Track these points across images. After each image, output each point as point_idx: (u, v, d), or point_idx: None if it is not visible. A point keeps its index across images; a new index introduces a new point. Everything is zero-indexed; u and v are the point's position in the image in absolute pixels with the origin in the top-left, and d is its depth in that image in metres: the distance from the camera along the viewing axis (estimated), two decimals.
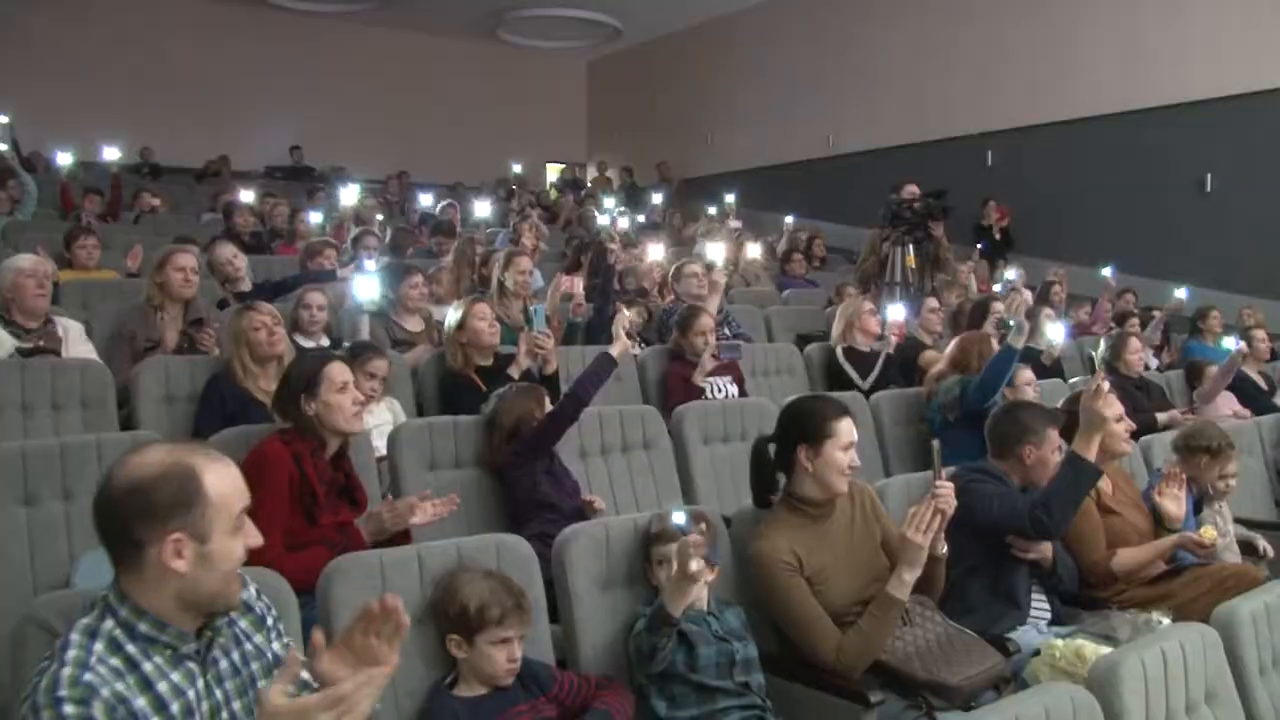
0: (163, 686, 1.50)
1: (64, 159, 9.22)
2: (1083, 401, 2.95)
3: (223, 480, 1.55)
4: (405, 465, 3.26)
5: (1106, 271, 8.02)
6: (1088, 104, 9.99)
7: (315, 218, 7.86)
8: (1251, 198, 8.83)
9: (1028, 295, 4.62)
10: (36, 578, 2.70)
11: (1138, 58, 9.68)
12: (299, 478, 2.69)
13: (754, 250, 8.37)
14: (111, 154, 8.92)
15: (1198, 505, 3.69)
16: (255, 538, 1.60)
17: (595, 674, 2.34)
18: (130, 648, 1.50)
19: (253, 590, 1.73)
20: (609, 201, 10.65)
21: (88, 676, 1.43)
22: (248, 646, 1.67)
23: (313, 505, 2.70)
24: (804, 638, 2.51)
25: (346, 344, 4.33)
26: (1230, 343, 5.95)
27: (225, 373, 3.63)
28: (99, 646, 1.48)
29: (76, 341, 4.16)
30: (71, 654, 1.45)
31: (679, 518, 2.38)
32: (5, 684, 1.84)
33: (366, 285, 4.86)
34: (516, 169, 14.13)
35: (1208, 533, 3.21)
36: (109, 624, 1.50)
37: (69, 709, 1.39)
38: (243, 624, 1.68)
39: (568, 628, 2.46)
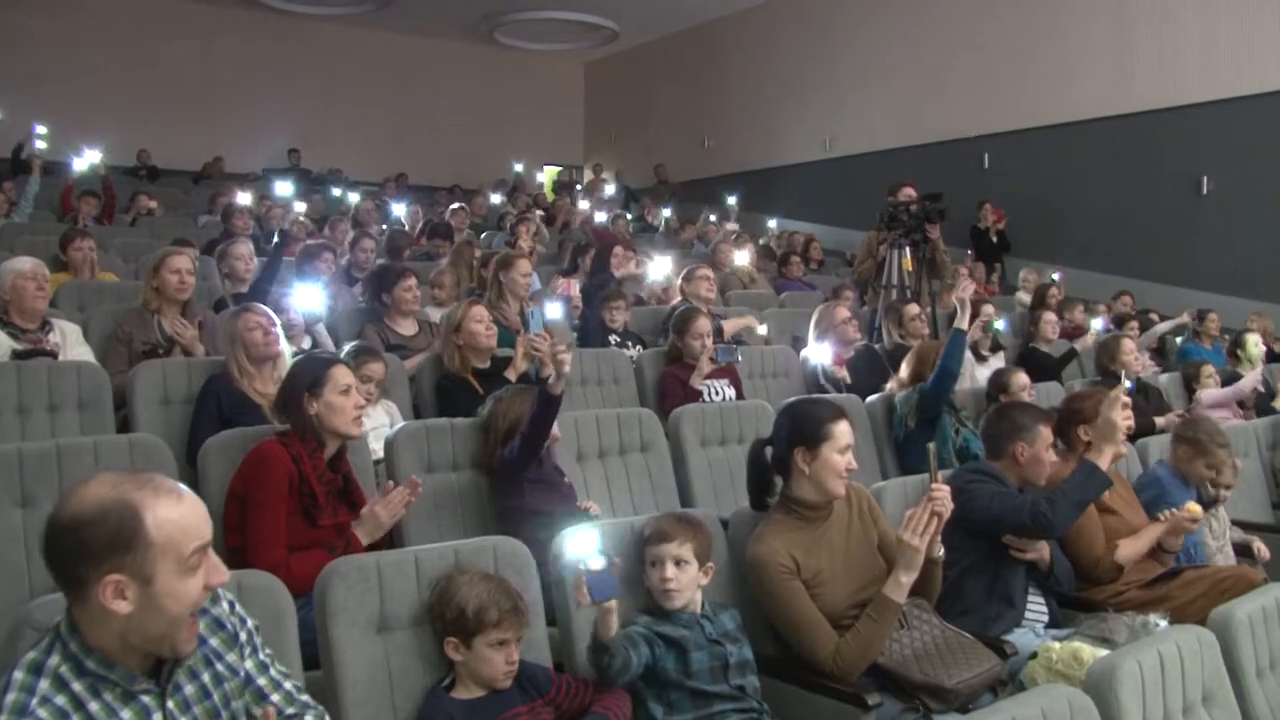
0: None
1: (80, 164, 9.18)
2: (1102, 411, 2.99)
3: (170, 518, 1.45)
4: (402, 468, 3.25)
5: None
6: (1084, 107, 10.02)
7: (300, 206, 7.88)
8: (1248, 200, 8.86)
9: (969, 285, 4.63)
10: (33, 581, 2.68)
11: (1133, 61, 9.71)
12: (298, 479, 2.69)
13: (742, 257, 8.36)
14: (92, 156, 8.87)
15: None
16: (219, 575, 1.52)
17: (592, 678, 2.34)
18: (76, 686, 1.44)
19: (225, 605, 1.66)
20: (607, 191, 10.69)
21: (29, 717, 1.38)
22: (219, 667, 1.61)
23: (312, 507, 2.70)
24: (801, 640, 2.51)
25: (347, 347, 4.32)
26: (1259, 355, 5.99)
27: (223, 375, 3.63)
28: (44, 684, 1.42)
29: (73, 344, 4.16)
30: (10, 699, 1.40)
31: (581, 547, 2.23)
32: None
33: (307, 295, 4.73)
34: (518, 168, 14.15)
35: (1192, 506, 3.25)
36: (54, 660, 1.45)
37: None
38: (213, 643, 1.62)
39: (565, 631, 2.45)
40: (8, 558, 2.69)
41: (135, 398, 3.70)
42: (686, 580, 2.42)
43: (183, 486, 1.53)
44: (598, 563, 2.18)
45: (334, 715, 1.97)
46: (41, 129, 8.32)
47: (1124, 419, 2.98)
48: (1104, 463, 2.92)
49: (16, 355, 3.89)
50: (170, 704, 1.52)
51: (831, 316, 5.26)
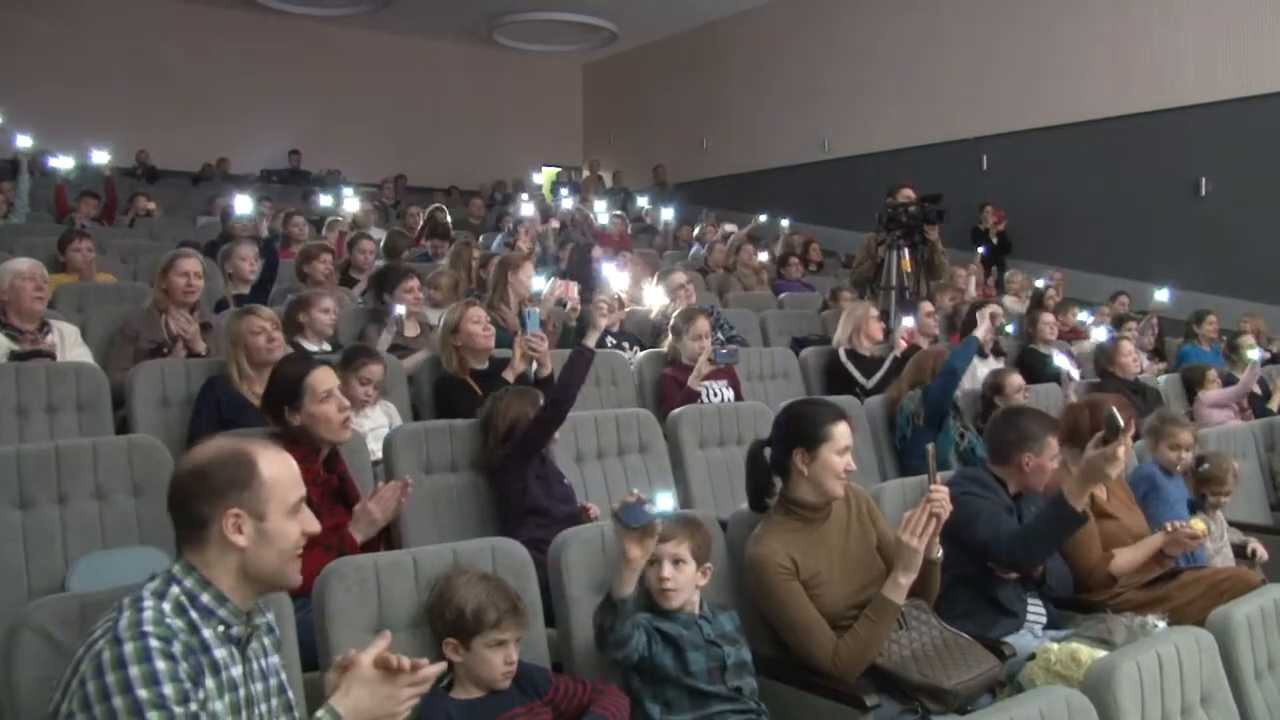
0: (218, 654, 1.60)
1: (63, 163, 9.19)
2: (1097, 459, 2.81)
3: (277, 467, 1.69)
4: (400, 469, 3.24)
5: (1162, 295, 7.55)
6: (1083, 108, 10.02)
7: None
8: (1247, 201, 8.86)
9: (995, 312, 4.78)
10: (31, 582, 2.68)
11: (1132, 62, 9.72)
12: None
13: (762, 256, 8.38)
14: (101, 157, 8.89)
15: (1193, 508, 3.70)
16: (312, 524, 1.73)
17: (591, 678, 2.34)
18: (192, 614, 1.60)
19: (272, 616, 1.81)
20: (600, 204, 10.62)
21: (168, 620, 1.55)
22: (273, 660, 1.77)
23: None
24: (800, 641, 2.51)
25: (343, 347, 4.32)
26: (1254, 354, 5.98)
27: (221, 376, 3.63)
28: (167, 606, 1.58)
29: (72, 345, 4.16)
30: (148, 602, 1.57)
31: (661, 505, 2.27)
32: (1, 687, 1.83)
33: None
34: (537, 179, 14.16)
35: (1197, 524, 3.22)
36: (174, 590, 1.61)
37: (154, 641, 1.50)
38: (266, 641, 1.76)
39: (563, 632, 2.46)
40: (7, 558, 2.68)
41: (134, 399, 3.70)
42: (684, 580, 2.41)
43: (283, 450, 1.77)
44: (635, 498, 2.26)
45: None
46: (24, 140, 8.30)
47: (1115, 470, 2.82)
48: (1080, 502, 2.79)
49: (15, 356, 3.89)
50: (248, 668, 1.67)
51: (864, 311, 5.30)
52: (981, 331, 4.73)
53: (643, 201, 13.04)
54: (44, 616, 1.86)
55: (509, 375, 3.99)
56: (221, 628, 1.62)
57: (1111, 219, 9.83)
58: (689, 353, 4.60)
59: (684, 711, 2.33)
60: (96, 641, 1.50)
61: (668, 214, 11.65)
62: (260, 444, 1.72)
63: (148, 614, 1.54)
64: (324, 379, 2.81)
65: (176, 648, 1.51)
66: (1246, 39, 8.89)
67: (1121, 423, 2.79)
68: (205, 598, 1.61)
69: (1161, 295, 7.49)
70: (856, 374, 5.12)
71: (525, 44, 15.74)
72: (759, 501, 2.72)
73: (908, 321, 5.43)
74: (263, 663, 1.72)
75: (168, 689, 1.47)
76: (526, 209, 9.04)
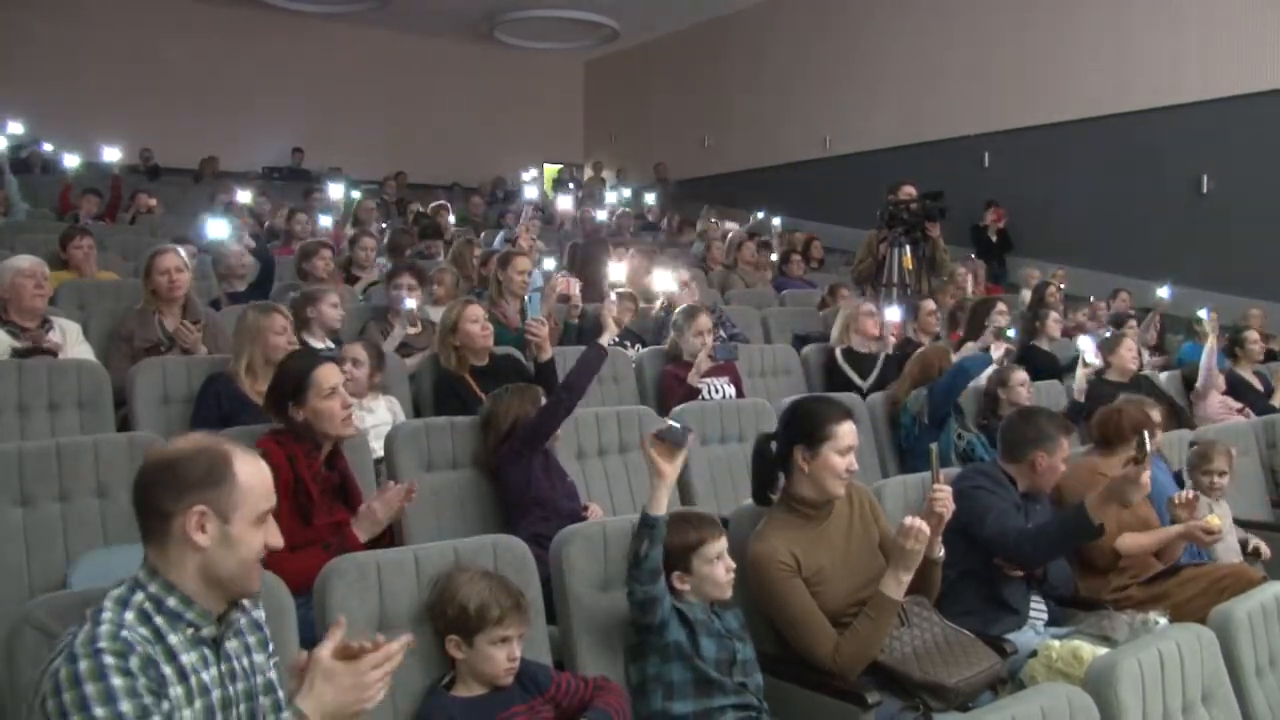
0: (185, 659, 1.56)
1: (71, 161, 9.18)
2: (1121, 484, 2.88)
3: (252, 472, 1.64)
4: (402, 466, 3.25)
5: (1163, 292, 7.51)
6: (1084, 105, 10.01)
7: (325, 220, 7.85)
8: (1249, 199, 8.85)
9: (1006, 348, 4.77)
10: (32, 579, 2.69)
11: (1133, 60, 9.70)
12: (293, 479, 2.69)
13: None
14: (112, 155, 8.88)
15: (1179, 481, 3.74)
16: (276, 539, 1.67)
17: (592, 675, 2.34)
18: (158, 619, 1.56)
19: (262, 612, 1.78)
20: (611, 196, 10.62)
21: (125, 633, 1.50)
22: (257, 658, 1.72)
23: (308, 506, 2.70)
24: (801, 638, 2.51)
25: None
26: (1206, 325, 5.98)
27: (223, 374, 3.62)
28: (129, 616, 1.54)
29: (73, 342, 4.16)
30: (107, 615, 1.53)
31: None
32: (2, 685, 1.83)
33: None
34: (526, 179, 14.04)
35: (1213, 520, 3.22)
36: (139, 596, 1.57)
37: (108, 658, 1.46)
38: (250, 639, 1.72)
39: (565, 629, 2.46)
40: (8, 556, 2.69)
41: (135, 397, 3.70)
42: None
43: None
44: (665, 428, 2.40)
45: None
46: (15, 126, 8.29)
47: (1138, 495, 2.91)
48: (1099, 516, 2.82)
49: (16, 354, 3.89)
50: (223, 667, 1.63)
51: (855, 308, 5.28)
52: (995, 354, 4.57)
53: (649, 199, 13.00)
54: (45, 614, 1.86)
55: (543, 356, 4.06)
56: (190, 630, 1.58)
57: (1112, 216, 9.82)
58: (690, 349, 4.60)
59: (687, 699, 2.33)
60: (55, 658, 1.48)
61: (649, 198, 11.62)
62: (240, 447, 1.66)
63: (104, 628, 1.50)
64: (329, 375, 2.83)
65: (134, 662, 1.47)
66: (1248, 37, 8.88)
67: (1150, 448, 2.87)
68: (171, 601, 1.57)
69: (1162, 292, 7.47)
70: (853, 375, 5.09)
71: (526, 41, 15.73)
72: (762, 495, 2.72)
73: (892, 314, 5.39)
74: (243, 663, 1.68)
75: (125, 706, 1.44)
76: (530, 191, 9.09)
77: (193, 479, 1.58)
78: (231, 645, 1.66)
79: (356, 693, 1.54)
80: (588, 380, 3.44)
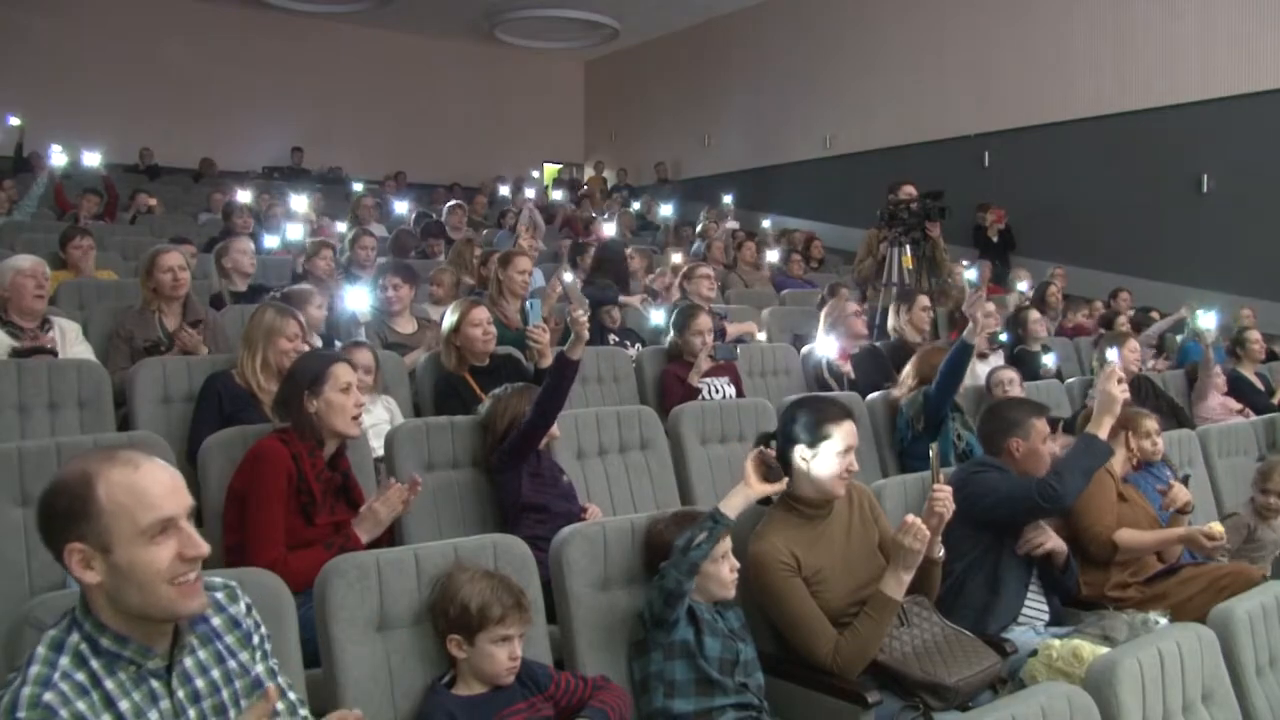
0: (124, 705, 1.45)
1: (58, 159, 9.18)
2: (1099, 385, 3.06)
3: (122, 485, 1.45)
4: (402, 466, 3.25)
5: (1209, 320, 6.42)
6: (1085, 105, 10.01)
7: (340, 227, 7.85)
8: (1249, 198, 8.85)
9: (988, 305, 4.69)
10: (32, 579, 2.69)
11: (1134, 58, 9.70)
12: (296, 477, 2.69)
13: (771, 255, 8.50)
14: (92, 159, 8.83)
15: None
16: (193, 546, 1.49)
17: (592, 675, 2.34)
18: (94, 663, 1.45)
19: (242, 606, 1.69)
20: (635, 204, 10.67)
21: (47, 696, 1.39)
22: (231, 664, 1.61)
23: (310, 505, 2.70)
24: (801, 638, 2.51)
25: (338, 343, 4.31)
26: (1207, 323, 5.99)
27: (224, 373, 3.62)
28: (65, 661, 1.44)
29: (73, 342, 4.16)
30: (34, 670, 1.42)
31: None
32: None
33: (358, 297, 4.78)
34: (505, 188, 13.98)
35: (1215, 527, 3.22)
36: (74, 638, 1.47)
37: None
38: (228, 640, 1.63)
39: (565, 629, 2.45)
40: (7, 556, 2.69)
41: (135, 396, 3.70)
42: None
43: (152, 458, 1.52)
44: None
45: None
46: (15, 120, 8.27)
47: (1121, 391, 3.02)
48: (1103, 433, 2.97)
49: (16, 353, 3.89)
50: (180, 694, 1.53)
51: (841, 309, 5.27)
52: (974, 338, 4.51)
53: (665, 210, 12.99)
54: (45, 613, 1.86)
55: (544, 362, 3.77)
56: (133, 668, 1.47)
57: (1113, 216, 9.82)
58: (690, 349, 4.60)
59: (688, 698, 2.33)
60: None
61: (666, 210, 11.63)
62: (108, 459, 1.48)
63: (25, 691, 1.38)
64: (346, 372, 2.86)
65: None
66: (1248, 35, 8.88)
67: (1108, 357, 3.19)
68: (105, 641, 1.45)
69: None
70: (832, 383, 5.04)
71: (527, 41, 15.73)
72: None
73: (849, 303, 5.33)
74: (211, 675, 1.57)
75: None
76: (528, 191, 9.14)
77: (59, 516, 1.44)
78: (190, 663, 1.55)
79: None
80: (561, 398, 3.24)
